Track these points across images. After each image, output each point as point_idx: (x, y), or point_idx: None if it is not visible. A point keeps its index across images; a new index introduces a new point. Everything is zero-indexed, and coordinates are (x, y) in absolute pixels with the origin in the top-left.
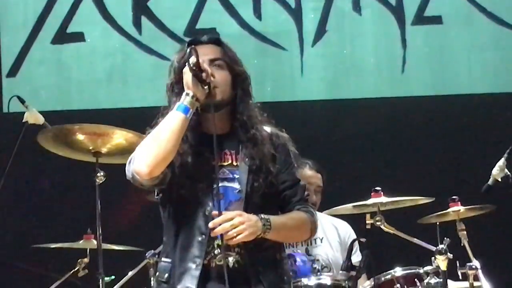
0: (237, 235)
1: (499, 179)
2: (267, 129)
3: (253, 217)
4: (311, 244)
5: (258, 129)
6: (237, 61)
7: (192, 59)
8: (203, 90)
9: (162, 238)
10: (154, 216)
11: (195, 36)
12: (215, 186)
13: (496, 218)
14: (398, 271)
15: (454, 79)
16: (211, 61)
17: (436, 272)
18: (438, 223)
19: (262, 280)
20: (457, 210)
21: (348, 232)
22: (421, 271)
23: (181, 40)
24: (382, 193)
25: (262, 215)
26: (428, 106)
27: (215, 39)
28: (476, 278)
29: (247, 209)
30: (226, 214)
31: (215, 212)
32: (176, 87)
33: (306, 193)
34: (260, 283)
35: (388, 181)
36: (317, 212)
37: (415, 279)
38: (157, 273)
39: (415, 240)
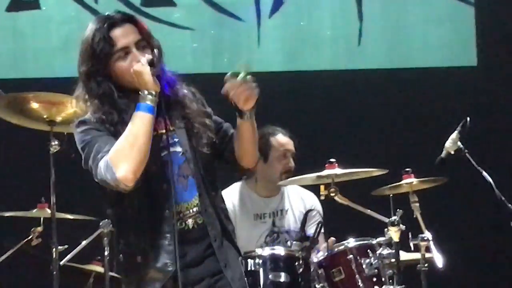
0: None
1: (452, 152)
2: (184, 88)
3: None
4: (277, 215)
5: (177, 89)
6: (150, 34)
7: (148, 57)
8: (157, 83)
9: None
10: None
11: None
12: (162, 154)
13: (449, 190)
14: (351, 242)
15: (409, 52)
16: (136, 44)
17: (389, 243)
18: (391, 195)
19: (222, 239)
20: (410, 182)
21: (314, 204)
22: (374, 242)
23: (138, 9)
24: (336, 164)
25: None
26: (383, 79)
27: (130, 17)
28: (428, 249)
29: (196, 171)
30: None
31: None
32: (98, 77)
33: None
34: (220, 241)
35: (342, 153)
36: (287, 184)
37: (368, 250)
38: (118, 254)
39: (369, 212)
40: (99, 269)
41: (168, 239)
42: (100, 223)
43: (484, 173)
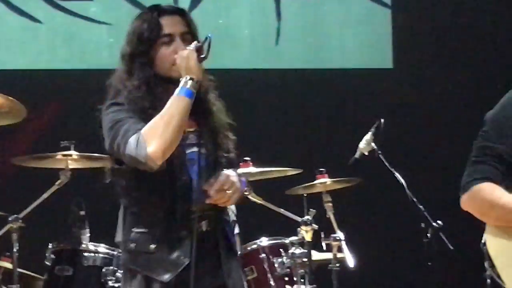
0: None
1: (366, 153)
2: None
3: (237, 177)
4: None
5: (209, 96)
6: (197, 30)
7: (197, 44)
8: (201, 72)
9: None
10: (18, 180)
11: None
12: (187, 152)
13: (362, 190)
14: (264, 241)
15: (327, 53)
16: (181, 34)
17: (301, 243)
18: (305, 195)
19: (229, 241)
20: (323, 182)
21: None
22: (287, 241)
23: (54, 3)
24: (251, 163)
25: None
26: (301, 79)
27: (181, 10)
28: (339, 249)
29: (212, 174)
30: (219, 180)
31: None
32: (140, 59)
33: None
34: (227, 244)
35: (257, 152)
36: None
37: (280, 249)
38: (129, 243)
39: (282, 211)
40: (8, 265)
41: (184, 233)
42: (9, 218)
43: (397, 174)
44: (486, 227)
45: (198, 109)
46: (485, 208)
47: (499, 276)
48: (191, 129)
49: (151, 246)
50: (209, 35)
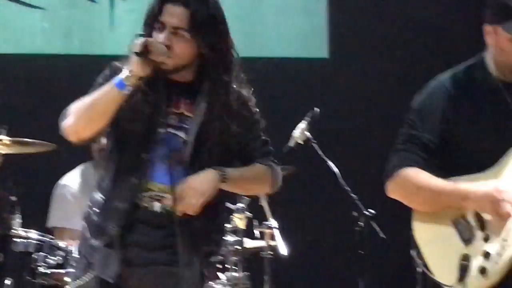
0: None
1: (300, 142)
2: (244, 92)
3: (205, 177)
4: None
5: (228, 85)
6: (207, 30)
7: (137, 46)
8: (146, 68)
9: None
10: None
11: None
12: (161, 131)
13: (296, 179)
14: None
15: (263, 42)
16: (174, 29)
17: (234, 230)
18: None
19: (187, 227)
20: None
21: None
22: None
23: None
24: None
25: (218, 167)
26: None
27: (187, 2)
28: (272, 237)
29: (192, 162)
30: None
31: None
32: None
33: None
34: (185, 230)
35: None
36: None
37: None
38: (90, 204)
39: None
40: None
41: (125, 204)
42: None
43: (330, 163)
44: (413, 215)
45: (193, 94)
46: (411, 192)
47: (426, 265)
48: (177, 111)
49: (95, 211)
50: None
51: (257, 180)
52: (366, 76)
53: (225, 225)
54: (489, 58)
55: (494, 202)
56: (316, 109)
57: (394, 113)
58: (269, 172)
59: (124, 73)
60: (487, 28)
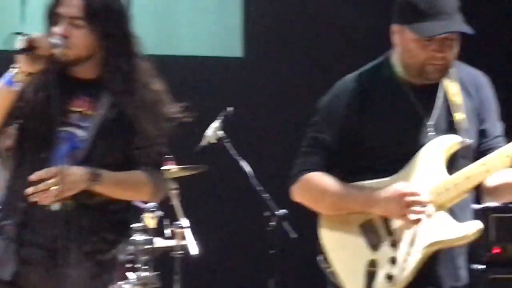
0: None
1: (213, 141)
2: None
3: (77, 172)
4: None
5: (134, 82)
6: (103, 18)
7: (21, 43)
8: (34, 64)
9: None
10: None
11: None
12: (60, 129)
13: (208, 178)
14: None
15: (178, 40)
16: (70, 19)
17: (145, 229)
18: None
19: (75, 225)
20: (170, 169)
21: None
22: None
23: None
24: None
25: (93, 169)
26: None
27: None
28: (183, 236)
29: (87, 161)
30: (44, 173)
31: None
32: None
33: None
34: (72, 229)
35: None
36: None
37: None
38: None
39: None
40: None
41: (23, 203)
42: None
43: (243, 163)
44: (320, 219)
45: (96, 91)
46: (316, 197)
47: (332, 271)
48: (78, 109)
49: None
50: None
51: (132, 187)
52: (279, 76)
53: (126, 223)
54: (396, 57)
55: (400, 208)
56: (229, 109)
57: (307, 113)
58: (148, 181)
59: (13, 70)
60: (395, 28)
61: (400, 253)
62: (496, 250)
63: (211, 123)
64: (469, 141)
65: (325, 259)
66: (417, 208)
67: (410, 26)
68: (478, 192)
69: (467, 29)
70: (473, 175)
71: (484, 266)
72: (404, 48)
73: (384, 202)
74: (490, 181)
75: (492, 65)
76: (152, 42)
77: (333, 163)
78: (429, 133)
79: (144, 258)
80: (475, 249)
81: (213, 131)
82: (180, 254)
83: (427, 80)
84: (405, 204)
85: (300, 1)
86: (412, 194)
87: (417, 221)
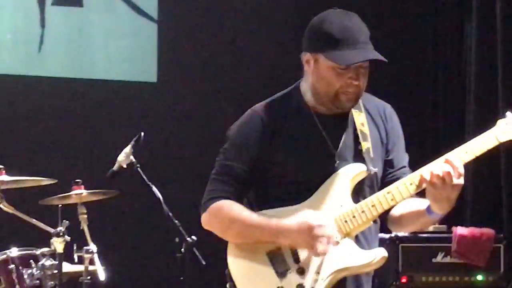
0: None
1: (125, 166)
2: None
3: None
4: None
5: None
6: None
7: None
8: None
9: None
10: None
11: None
12: None
13: (119, 203)
14: (14, 251)
15: (91, 63)
16: None
17: (53, 254)
18: (60, 205)
19: None
20: (79, 193)
21: None
22: (38, 252)
23: None
24: (4, 171)
25: None
26: (64, 88)
27: None
28: (92, 261)
29: None
30: None
31: None
32: None
33: None
34: None
35: (12, 160)
36: None
37: (30, 260)
38: None
39: (34, 221)
40: None
41: None
42: None
43: (154, 188)
44: (228, 248)
45: None
46: (225, 224)
47: None
48: None
49: None
50: None
51: None
52: (192, 102)
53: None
54: (305, 86)
55: (307, 239)
56: (142, 133)
57: (218, 140)
58: None
59: None
60: (307, 57)
61: (307, 280)
62: (403, 280)
63: (124, 148)
64: (374, 170)
65: (234, 286)
66: (323, 240)
67: (326, 54)
68: (386, 221)
69: (382, 57)
70: (378, 203)
71: None
72: (319, 76)
73: (292, 234)
74: (395, 211)
75: (397, 96)
76: (65, 65)
77: (242, 191)
78: (337, 162)
79: (51, 283)
80: (385, 277)
81: (124, 156)
82: (88, 279)
83: (339, 108)
84: (312, 237)
85: (216, 27)
86: (319, 226)
87: (323, 252)
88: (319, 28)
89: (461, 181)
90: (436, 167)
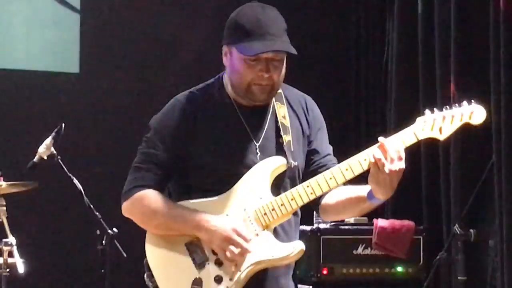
0: None
1: (45, 157)
2: None
3: None
4: None
5: None
6: None
7: None
8: None
9: None
10: None
11: None
12: None
13: (39, 195)
14: None
15: (12, 54)
16: None
17: None
18: None
19: None
20: None
21: None
22: None
23: None
24: None
25: None
26: None
27: None
28: (10, 254)
29: None
30: None
31: None
32: None
33: None
34: None
35: None
36: None
37: None
38: None
39: None
40: None
41: None
42: None
43: (75, 180)
44: (147, 237)
45: None
46: (147, 215)
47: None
48: None
49: None
50: None
51: None
52: (114, 93)
53: None
54: (227, 78)
55: (222, 245)
56: (63, 124)
57: (139, 130)
58: None
59: None
60: (224, 49)
61: (225, 272)
62: (324, 271)
63: (44, 139)
64: (294, 163)
65: (151, 276)
66: (236, 250)
67: (237, 46)
68: (316, 210)
69: (291, 49)
70: (298, 196)
71: (311, 287)
72: (233, 68)
73: (210, 233)
74: (330, 199)
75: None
76: None
77: (164, 180)
78: (258, 154)
79: None
80: (306, 269)
81: (45, 147)
82: (6, 272)
83: (253, 101)
84: (227, 246)
85: (138, 18)
86: (237, 236)
87: (231, 260)
88: (234, 21)
89: (400, 165)
90: (371, 152)
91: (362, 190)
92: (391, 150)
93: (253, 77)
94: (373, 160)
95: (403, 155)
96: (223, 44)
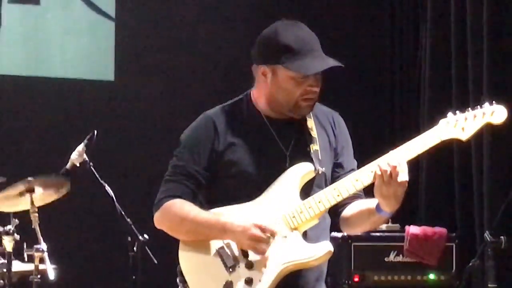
0: None
1: (78, 164)
2: None
3: None
4: None
5: None
6: None
7: None
8: None
9: None
10: None
11: None
12: None
13: (71, 202)
14: None
15: (48, 61)
16: None
17: (2, 253)
18: None
19: None
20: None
21: None
22: None
23: None
24: None
25: None
26: (21, 86)
27: None
28: (42, 260)
29: None
30: None
31: None
32: None
33: None
34: None
35: None
36: None
37: None
38: None
39: None
40: None
41: None
42: None
43: (107, 187)
44: (180, 244)
45: None
46: (176, 222)
47: None
48: None
49: None
50: None
51: None
52: (148, 101)
53: None
54: (256, 95)
55: (248, 242)
56: (95, 131)
57: (173, 140)
58: None
59: None
60: (262, 69)
61: (255, 274)
62: (356, 278)
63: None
64: (321, 169)
65: (184, 281)
66: (265, 245)
67: (286, 65)
68: (338, 224)
69: (339, 63)
70: (325, 198)
71: None
72: (279, 87)
73: (236, 234)
74: (346, 212)
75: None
76: (22, 63)
77: (195, 191)
78: (287, 163)
79: (0, 282)
80: (338, 276)
81: (77, 154)
82: (37, 278)
83: (299, 115)
84: (253, 239)
85: (173, 26)
86: (260, 228)
87: (262, 252)
88: (275, 40)
89: (403, 177)
90: (377, 165)
91: (371, 203)
92: (399, 164)
93: (301, 93)
94: (379, 173)
95: (404, 167)
96: (262, 64)
